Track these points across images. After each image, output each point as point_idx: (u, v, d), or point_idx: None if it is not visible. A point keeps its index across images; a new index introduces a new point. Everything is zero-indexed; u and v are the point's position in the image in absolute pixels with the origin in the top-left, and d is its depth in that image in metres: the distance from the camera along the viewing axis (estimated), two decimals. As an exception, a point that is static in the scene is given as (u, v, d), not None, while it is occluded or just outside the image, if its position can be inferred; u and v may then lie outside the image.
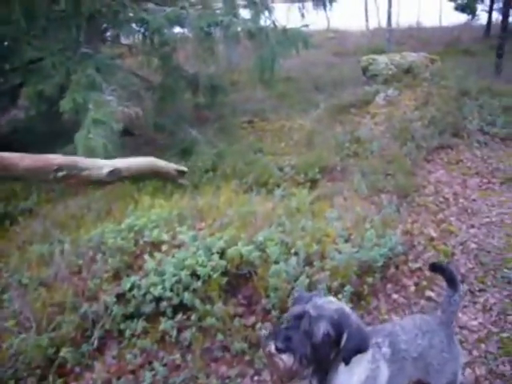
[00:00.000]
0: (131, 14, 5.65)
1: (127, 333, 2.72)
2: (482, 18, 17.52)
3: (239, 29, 5.38)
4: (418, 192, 4.92)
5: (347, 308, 1.69)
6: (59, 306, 2.91)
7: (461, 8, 17.04)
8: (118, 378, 2.50)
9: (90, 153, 4.07)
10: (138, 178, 4.34)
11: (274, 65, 5.68)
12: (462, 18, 18.43)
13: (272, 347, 1.47)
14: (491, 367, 2.58)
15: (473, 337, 2.84)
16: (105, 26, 6.24)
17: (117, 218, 3.78)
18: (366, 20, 20.30)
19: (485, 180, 5.24)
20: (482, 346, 2.77)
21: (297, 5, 7.49)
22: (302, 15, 6.97)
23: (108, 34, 6.63)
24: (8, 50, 5.81)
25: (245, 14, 6.51)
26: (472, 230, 4.14)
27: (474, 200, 4.77)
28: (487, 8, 16.08)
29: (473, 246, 3.84)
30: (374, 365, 1.68)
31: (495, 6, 15.63)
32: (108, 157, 4.33)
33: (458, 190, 4.98)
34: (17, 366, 2.59)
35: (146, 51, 6.13)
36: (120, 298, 2.85)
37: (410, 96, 7.61)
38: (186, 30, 5.71)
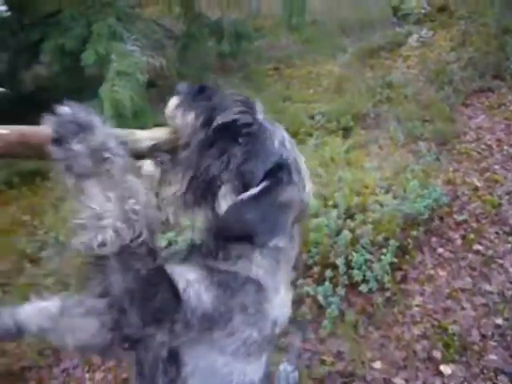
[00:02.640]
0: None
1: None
2: None
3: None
4: (458, 139, 4.62)
5: None
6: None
7: None
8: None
9: (116, 106, 3.90)
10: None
11: (303, 6, 5.25)
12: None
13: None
14: (548, 323, 2.44)
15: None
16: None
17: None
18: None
19: (530, 125, 4.89)
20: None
21: None
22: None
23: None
24: (26, 4, 5.57)
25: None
26: (519, 179, 3.89)
27: (519, 146, 4.47)
28: None
29: (521, 195, 3.61)
30: None
31: None
32: (135, 109, 4.17)
33: (501, 137, 4.66)
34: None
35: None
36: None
37: (445, 36, 7.12)
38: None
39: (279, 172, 0.91)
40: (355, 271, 2.62)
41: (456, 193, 3.57)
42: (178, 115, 0.90)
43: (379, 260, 2.70)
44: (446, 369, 2.22)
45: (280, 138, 0.95)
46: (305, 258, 2.75)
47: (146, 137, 0.89)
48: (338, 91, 6.25)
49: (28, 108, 3.94)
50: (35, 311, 0.97)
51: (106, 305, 0.83)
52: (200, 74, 6.13)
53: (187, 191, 0.91)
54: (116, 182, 0.80)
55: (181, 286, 0.87)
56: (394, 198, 3.15)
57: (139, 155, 0.88)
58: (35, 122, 0.84)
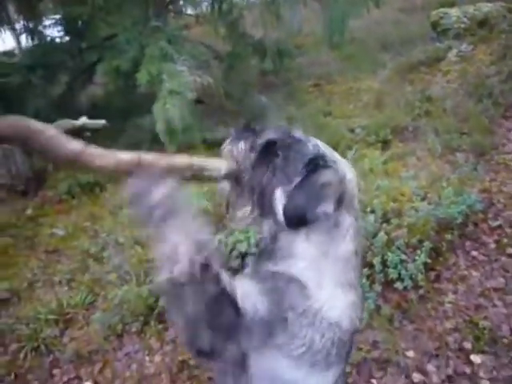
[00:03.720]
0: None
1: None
2: None
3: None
4: (497, 150, 4.75)
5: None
6: (153, 262, 3.20)
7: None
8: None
9: (168, 122, 4.31)
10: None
11: (344, 26, 5.60)
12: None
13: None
14: None
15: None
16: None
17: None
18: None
19: None
20: None
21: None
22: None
23: (173, 6, 6.82)
24: (84, 29, 6.16)
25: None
26: (557, 188, 3.99)
27: (558, 157, 4.56)
28: None
29: (558, 203, 3.73)
30: None
31: None
32: (184, 125, 4.58)
33: (540, 147, 4.76)
34: (122, 313, 2.92)
35: (213, 20, 6.26)
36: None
37: (485, 50, 7.21)
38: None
39: (315, 161, 1.10)
40: (391, 270, 2.86)
41: (491, 200, 3.73)
42: (232, 149, 1.17)
43: (414, 260, 2.92)
44: (475, 358, 2.41)
45: (314, 143, 1.17)
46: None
47: (218, 166, 1.16)
48: (377, 106, 6.49)
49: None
50: None
51: (181, 326, 1.00)
52: (244, 91, 6.54)
53: (254, 208, 1.15)
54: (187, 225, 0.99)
55: (239, 300, 1.01)
56: (429, 204, 3.36)
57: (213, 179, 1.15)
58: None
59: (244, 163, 1.14)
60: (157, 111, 4.45)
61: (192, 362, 2.60)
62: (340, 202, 1.10)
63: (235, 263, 3.00)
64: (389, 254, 2.90)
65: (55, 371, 2.80)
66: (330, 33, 5.89)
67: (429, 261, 2.95)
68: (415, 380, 2.33)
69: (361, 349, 2.52)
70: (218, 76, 6.40)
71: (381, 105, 6.44)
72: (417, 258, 2.92)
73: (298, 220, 1.07)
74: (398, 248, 2.96)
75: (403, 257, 2.92)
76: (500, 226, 3.43)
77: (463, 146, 4.75)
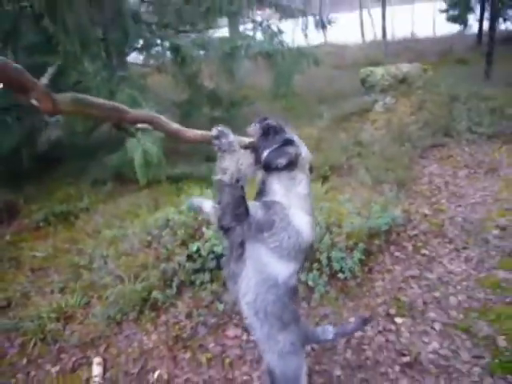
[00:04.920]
0: (161, 41, 6.84)
1: (198, 282, 3.80)
2: (475, 27, 18.83)
3: (257, 50, 6.59)
4: (415, 182, 6.04)
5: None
6: (141, 267, 4.00)
7: (453, 19, 18.40)
8: (197, 310, 3.58)
9: (145, 155, 5.17)
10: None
11: (289, 81, 6.85)
12: (456, 27, 19.81)
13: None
14: (469, 294, 3.66)
15: (457, 278, 3.92)
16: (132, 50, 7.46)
17: (165, 208, 4.88)
18: (362, 35, 21.65)
19: (472, 171, 6.35)
20: (464, 283, 3.84)
21: (299, 23, 8.78)
22: (306, 35, 8.20)
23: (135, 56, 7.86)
24: (55, 75, 6.95)
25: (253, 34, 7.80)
26: (459, 209, 5.24)
27: (461, 186, 5.88)
28: (478, 17, 17.43)
29: (459, 219, 4.94)
30: None
31: (486, 15, 16.94)
32: (157, 161, 5.45)
33: (448, 180, 6.10)
34: (120, 306, 3.66)
35: (174, 72, 7.29)
36: (189, 258, 3.93)
37: (405, 103, 8.78)
38: (208, 53, 6.87)
39: (287, 140, 2.09)
40: (334, 264, 3.84)
41: (410, 217, 4.89)
42: (251, 129, 2.17)
43: (352, 257, 3.93)
44: (398, 320, 3.41)
45: (291, 134, 2.16)
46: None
47: (247, 140, 2.11)
48: (317, 149, 7.68)
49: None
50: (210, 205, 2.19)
51: (218, 208, 2.00)
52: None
53: (257, 159, 2.15)
54: (234, 154, 1.97)
55: (249, 207, 2.02)
56: (362, 218, 4.43)
57: (244, 146, 2.10)
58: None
59: (256, 136, 2.12)
60: (132, 147, 5.28)
61: (185, 335, 3.39)
62: (295, 163, 2.09)
63: (212, 264, 3.85)
64: (333, 252, 3.89)
65: (63, 355, 3.45)
66: (278, 85, 7.10)
67: (363, 257, 3.97)
68: (356, 335, 3.27)
69: (316, 321, 3.44)
70: (176, 121, 7.35)
71: (320, 148, 7.65)
72: (354, 255, 3.93)
73: (268, 165, 2.07)
74: (340, 249, 3.96)
75: (343, 255, 3.92)
76: (416, 235, 4.57)
77: (388, 179, 5.96)
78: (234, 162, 1.93)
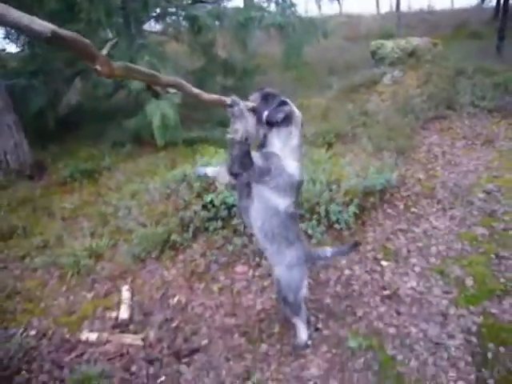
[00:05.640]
0: (177, 10, 7.36)
1: (211, 228, 4.44)
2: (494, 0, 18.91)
3: (270, 22, 7.09)
4: (414, 150, 6.59)
5: None
6: (162, 215, 4.65)
7: (470, -9, 18.52)
8: (210, 250, 4.24)
9: (163, 118, 5.77)
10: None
11: (300, 51, 7.36)
12: (474, 0, 19.90)
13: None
14: (448, 245, 4.27)
15: (440, 232, 4.52)
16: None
17: (182, 166, 5.50)
18: (377, 5, 21.78)
19: (469, 142, 6.88)
20: (445, 237, 4.45)
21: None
22: (319, 6, 8.66)
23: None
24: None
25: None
26: (452, 175, 5.80)
27: (457, 156, 6.43)
28: (496, -9, 17.52)
29: (450, 184, 5.51)
30: None
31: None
32: (174, 124, 6.05)
33: (445, 150, 6.64)
34: (143, 246, 4.33)
35: (190, 40, 7.82)
36: (203, 208, 4.57)
37: (412, 76, 9.24)
38: (222, 23, 7.37)
39: (283, 102, 2.71)
40: (332, 216, 4.45)
41: (404, 181, 5.47)
42: (253, 97, 2.78)
43: (347, 211, 4.54)
44: (384, 263, 4.04)
45: (284, 98, 2.79)
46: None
47: (250, 104, 2.71)
48: (324, 118, 8.24)
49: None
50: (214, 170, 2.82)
51: (228, 160, 2.63)
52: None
53: (258, 120, 2.75)
54: (244, 119, 2.59)
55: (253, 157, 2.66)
56: (359, 179, 5.02)
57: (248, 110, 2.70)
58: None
59: (256, 102, 2.72)
60: (152, 110, 5.89)
61: (199, 270, 4.06)
62: (290, 119, 2.71)
63: (224, 213, 4.48)
64: (330, 206, 4.50)
65: (96, 285, 4.15)
66: (288, 56, 7.61)
67: (357, 212, 4.58)
68: (345, 273, 3.92)
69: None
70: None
71: (327, 117, 8.20)
72: (349, 210, 4.54)
73: (269, 120, 2.67)
74: (337, 203, 4.57)
75: (340, 209, 4.53)
76: (408, 196, 5.16)
77: (389, 147, 6.51)
78: (243, 125, 2.53)
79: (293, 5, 7.66)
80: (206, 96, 2.55)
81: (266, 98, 2.69)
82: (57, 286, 4.17)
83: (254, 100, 2.70)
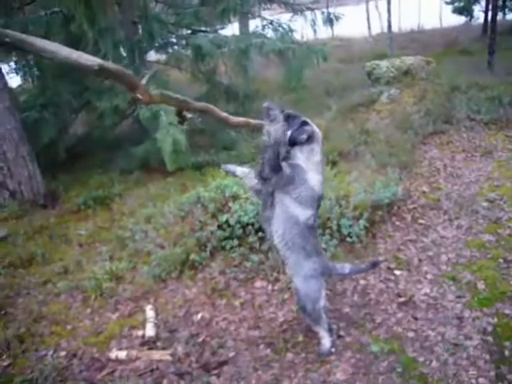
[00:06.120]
0: (179, 40, 7.67)
1: (227, 246, 4.62)
2: (481, 17, 19.48)
3: (270, 48, 7.40)
4: (416, 165, 6.81)
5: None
6: (179, 236, 4.82)
7: (458, 10, 19.10)
8: (228, 268, 4.40)
9: (175, 144, 5.98)
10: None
11: (301, 75, 7.66)
12: (462, 18, 20.50)
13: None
14: (457, 253, 4.45)
15: (448, 241, 4.71)
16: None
17: (194, 189, 5.70)
18: (369, 27, 22.35)
19: (469, 154, 7.13)
20: (454, 245, 4.63)
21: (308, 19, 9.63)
22: (315, 31, 9.00)
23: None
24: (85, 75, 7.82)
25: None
26: (455, 187, 6.02)
27: (458, 168, 6.66)
28: (483, 8, 18.09)
29: (454, 195, 5.72)
30: None
31: (490, 7, 17.60)
32: (180, 149, 6.27)
33: (446, 163, 6.87)
34: (163, 266, 4.49)
35: (193, 69, 8.12)
36: (219, 227, 4.74)
37: (409, 94, 9.53)
38: (224, 51, 7.67)
39: (304, 122, 2.96)
40: (343, 230, 4.64)
41: (410, 194, 5.68)
42: (274, 114, 3.00)
43: (358, 225, 4.72)
44: (397, 272, 4.21)
45: (305, 118, 3.02)
46: (312, 225, 4.74)
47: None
48: (326, 138, 8.44)
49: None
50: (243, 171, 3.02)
51: (260, 163, 2.87)
52: (216, 128, 8.37)
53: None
54: (277, 123, 2.83)
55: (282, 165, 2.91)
56: (366, 194, 5.22)
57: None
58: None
59: (280, 122, 2.93)
60: (163, 136, 6.11)
61: (220, 287, 4.22)
62: (312, 138, 2.93)
63: (239, 232, 4.66)
64: (341, 220, 4.69)
65: (119, 306, 4.29)
66: (289, 80, 7.91)
67: (367, 225, 4.77)
68: (361, 283, 4.08)
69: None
70: (195, 114, 8.19)
71: (329, 137, 8.43)
72: (360, 223, 4.73)
73: (293, 140, 2.90)
74: (347, 218, 4.76)
75: (351, 223, 4.72)
76: (415, 208, 5.36)
77: (392, 163, 6.73)
78: (276, 130, 2.76)
79: (291, 30, 7.99)
80: (233, 119, 2.79)
81: (288, 118, 2.91)
82: (81, 309, 4.31)
83: (274, 119, 2.92)
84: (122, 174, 7.63)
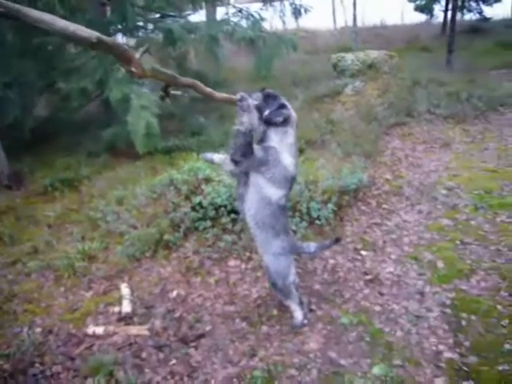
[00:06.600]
0: (150, 24, 7.66)
1: (201, 227, 4.74)
2: (441, 16, 20.16)
3: (241, 36, 7.50)
4: (379, 154, 7.11)
5: None
6: (152, 216, 4.91)
7: (420, 8, 19.68)
8: (202, 247, 4.53)
9: (148, 126, 6.02)
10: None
11: (271, 64, 7.81)
12: (423, 16, 21.12)
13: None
14: (419, 235, 4.74)
15: (410, 224, 5.00)
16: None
17: (165, 172, 5.77)
18: (334, 21, 22.71)
19: (429, 145, 7.50)
20: (415, 228, 4.92)
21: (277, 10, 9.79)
22: (283, 22, 9.19)
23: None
24: (52, 56, 7.71)
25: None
26: (416, 175, 6.34)
27: (419, 158, 7.01)
28: (443, 8, 18.72)
29: (415, 183, 6.04)
30: None
31: (450, 6, 18.26)
32: (153, 132, 6.31)
33: (408, 153, 7.21)
34: (137, 246, 4.57)
35: (163, 54, 8.12)
36: (192, 209, 4.86)
37: (373, 86, 9.87)
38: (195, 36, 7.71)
39: (282, 104, 3.10)
40: (312, 213, 4.85)
41: (374, 181, 5.95)
42: (256, 96, 3.14)
43: (326, 209, 4.94)
44: (363, 252, 4.46)
45: (284, 100, 3.17)
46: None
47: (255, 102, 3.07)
48: (292, 127, 8.68)
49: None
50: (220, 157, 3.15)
51: (232, 148, 2.99)
52: (185, 113, 8.43)
53: (259, 116, 3.12)
54: (250, 113, 2.97)
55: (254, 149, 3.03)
56: (334, 180, 5.45)
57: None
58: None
59: (259, 101, 3.07)
60: (134, 120, 6.13)
61: (194, 266, 4.35)
62: (287, 121, 3.09)
63: (212, 213, 4.79)
64: (311, 204, 4.90)
65: (93, 284, 4.35)
66: (259, 69, 8.05)
67: (335, 209, 4.99)
68: (330, 262, 4.31)
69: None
70: (182, 90, 8.23)
71: (296, 126, 8.65)
72: (328, 207, 4.95)
73: (268, 121, 3.04)
74: (316, 202, 4.97)
75: (319, 206, 4.93)
76: (379, 194, 5.64)
77: (357, 152, 7.00)
78: (249, 118, 2.90)
79: (262, 19, 8.12)
80: (217, 95, 2.91)
81: (267, 98, 3.05)
82: (54, 288, 4.34)
83: (256, 99, 3.05)
84: (90, 157, 7.59)
